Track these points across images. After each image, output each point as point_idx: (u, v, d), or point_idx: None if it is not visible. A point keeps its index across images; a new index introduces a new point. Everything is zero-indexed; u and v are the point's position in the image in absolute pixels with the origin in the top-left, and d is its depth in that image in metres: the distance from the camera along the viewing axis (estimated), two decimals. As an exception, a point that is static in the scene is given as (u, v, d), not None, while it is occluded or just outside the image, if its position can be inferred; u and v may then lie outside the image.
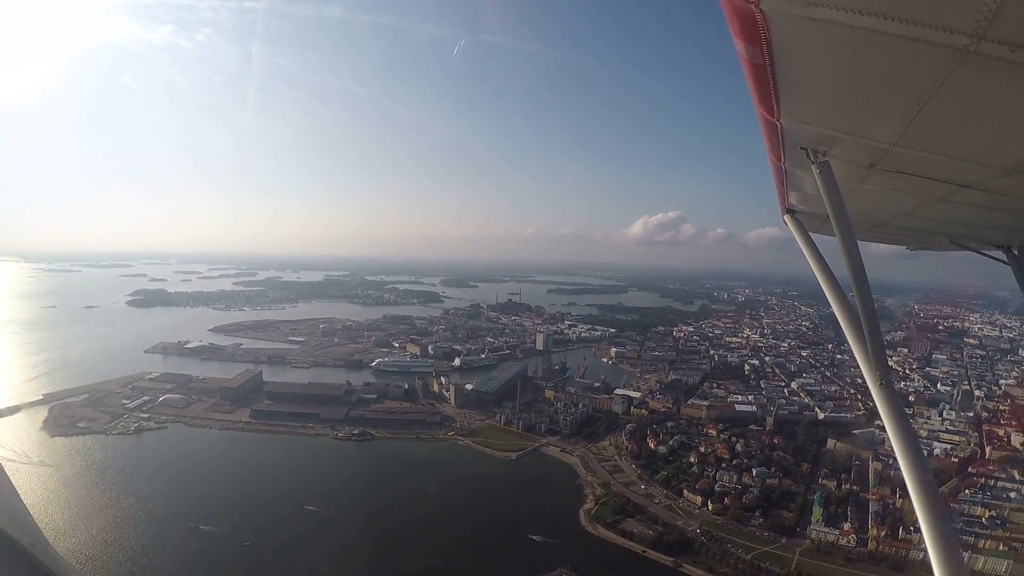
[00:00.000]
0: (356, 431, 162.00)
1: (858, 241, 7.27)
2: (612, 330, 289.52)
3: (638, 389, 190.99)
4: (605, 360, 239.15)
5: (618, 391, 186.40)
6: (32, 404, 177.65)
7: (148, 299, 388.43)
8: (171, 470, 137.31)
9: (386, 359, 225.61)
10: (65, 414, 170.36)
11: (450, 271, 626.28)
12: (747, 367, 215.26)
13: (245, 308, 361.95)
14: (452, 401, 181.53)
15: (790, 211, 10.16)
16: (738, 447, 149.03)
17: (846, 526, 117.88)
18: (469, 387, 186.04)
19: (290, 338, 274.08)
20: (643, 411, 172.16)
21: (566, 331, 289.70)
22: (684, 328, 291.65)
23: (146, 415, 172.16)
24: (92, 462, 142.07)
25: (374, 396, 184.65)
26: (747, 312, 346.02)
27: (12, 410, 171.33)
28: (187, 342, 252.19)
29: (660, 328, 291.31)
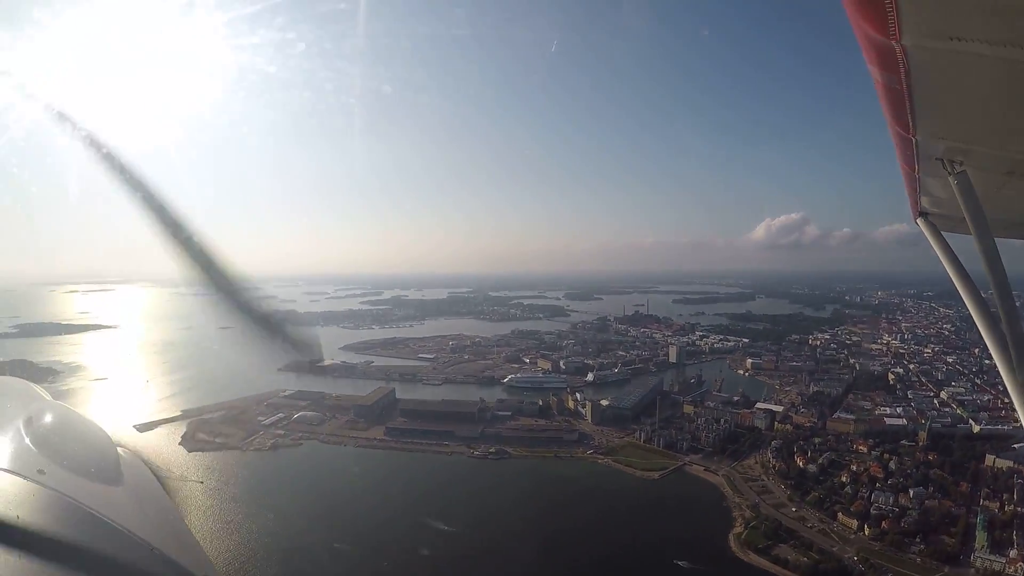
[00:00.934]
0: (492, 449, 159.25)
1: (996, 240, 7.14)
2: (745, 340, 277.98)
3: (780, 403, 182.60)
4: (741, 372, 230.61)
5: (759, 405, 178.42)
6: (170, 420, 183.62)
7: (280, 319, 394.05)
8: (307, 487, 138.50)
9: (518, 375, 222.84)
10: (202, 430, 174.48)
11: (573, 284, 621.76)
12: (891, 376, 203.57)
13: (373, 326, 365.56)
14: (588, 418, 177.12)
15: (923, 214, 10.02)
16: (891, 465, 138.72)
17: (1012, 553, 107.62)
18: (605, 403, 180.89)
19: (420, 355, 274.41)
20: (787, 426, 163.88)
21: (698, 342, 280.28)
22: (820, 336, 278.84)
23: (281, 432, 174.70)
24: (229, 477, 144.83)
25: (508, 413, 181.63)
26: (883, 316, 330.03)
27: (151, 425, 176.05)
28: (319, 361, 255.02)
29: (794, 336, 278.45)
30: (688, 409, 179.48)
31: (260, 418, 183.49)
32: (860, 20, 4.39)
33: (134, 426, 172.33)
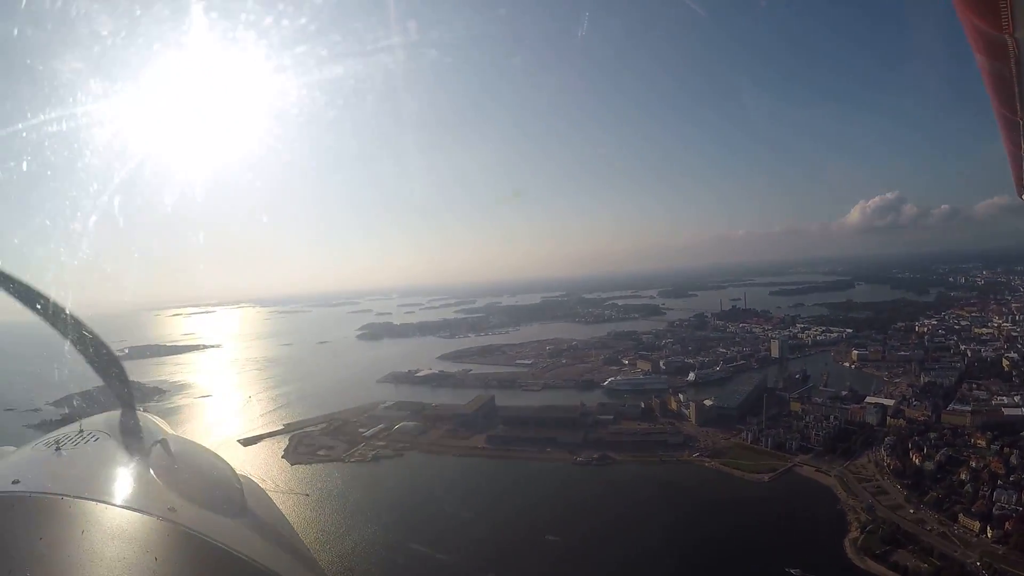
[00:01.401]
0: (596, 455, 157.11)
1: None
2: (848, 330, 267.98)
3: (890, 396, 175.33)
4: (846, 364, 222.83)
5: (869, 399, 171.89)
6: (273, 434, 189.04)
7: (376, 332, 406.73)
8: (409, 498, 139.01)
9: (618, 378, 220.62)
10: (304, 443, 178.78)
11: (666, 282, 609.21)
12: (1006, 362, 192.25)
13: (469, 335, 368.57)
14: (692, 419, 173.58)
15: None
16: (1012, 459, 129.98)
17: None
18: (709, 403, 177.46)
19: (517, 361, 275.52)
20: (900, 421, 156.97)
21: (799, 335, 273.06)
22: (926, 322, 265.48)
23: (383, 443, 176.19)
24: (332, 489, 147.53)
25: (610, 417, 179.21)
26: (991, 297, 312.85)
27: (254, 440, 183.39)
28: (417, 371, 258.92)
29: (900, 324, 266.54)
30: (795, 406, 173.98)
31: (361, 430, 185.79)
32: (971, 15, 4.88)
33: (238, 440, 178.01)
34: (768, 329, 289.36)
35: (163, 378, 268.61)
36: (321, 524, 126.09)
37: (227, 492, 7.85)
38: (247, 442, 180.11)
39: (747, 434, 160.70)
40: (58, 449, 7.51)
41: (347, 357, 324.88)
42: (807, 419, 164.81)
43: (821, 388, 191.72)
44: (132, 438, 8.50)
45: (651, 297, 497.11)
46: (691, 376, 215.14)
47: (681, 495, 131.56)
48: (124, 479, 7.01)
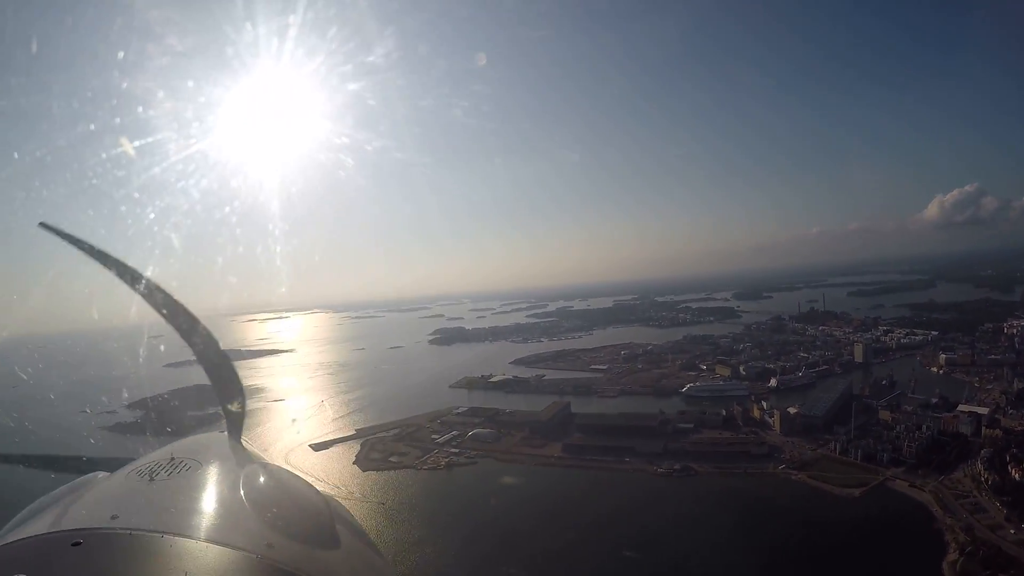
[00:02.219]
0: (677, 466, 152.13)
1: None
2: (933, 332, 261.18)
3: (983, 403, 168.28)
4: (934, 369, 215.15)
5: (962, 407, 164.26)
6: (345, 439, 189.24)
7: (448, 337, 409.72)
8: (483, 507, 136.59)
9: (697, 384, 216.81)
10: (376, 448, 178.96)
11: (740, 284, 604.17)
12: None
13: (542, 339, 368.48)
14: (776, 428, 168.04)
15: None
16: None
17: None
18: (793, 411, 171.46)
19: (591, 366, 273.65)
20: (996, 431, 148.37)
21: (882, 338, 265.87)
22: (1015, 323, 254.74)
23: (456, 450, 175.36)
24: (405, 497, 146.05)
25: (691, 426, 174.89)
26: None
27: (326, 445, 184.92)
28: (491, 376, 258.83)
29: (988, 325, 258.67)
30: (884, 415, 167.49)
31: (434, 436, 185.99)
32: None
33: (310, 445, 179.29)
34: (849, 332, 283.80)
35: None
36: (394, 533, 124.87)
37: (320, 524, 7.88)
38: (318, 447, 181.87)
39: (835, 445, 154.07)
40: (152, 480, 7.87)
41: (419, 362, 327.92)
42: (897, 429, 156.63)
43: (909, 395, 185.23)
44: (223, 467, 8.72)
45: (725, 299, 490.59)
46: (772, 382, 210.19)
47: (768, 510, 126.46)
48: (220, 513, 7.10)
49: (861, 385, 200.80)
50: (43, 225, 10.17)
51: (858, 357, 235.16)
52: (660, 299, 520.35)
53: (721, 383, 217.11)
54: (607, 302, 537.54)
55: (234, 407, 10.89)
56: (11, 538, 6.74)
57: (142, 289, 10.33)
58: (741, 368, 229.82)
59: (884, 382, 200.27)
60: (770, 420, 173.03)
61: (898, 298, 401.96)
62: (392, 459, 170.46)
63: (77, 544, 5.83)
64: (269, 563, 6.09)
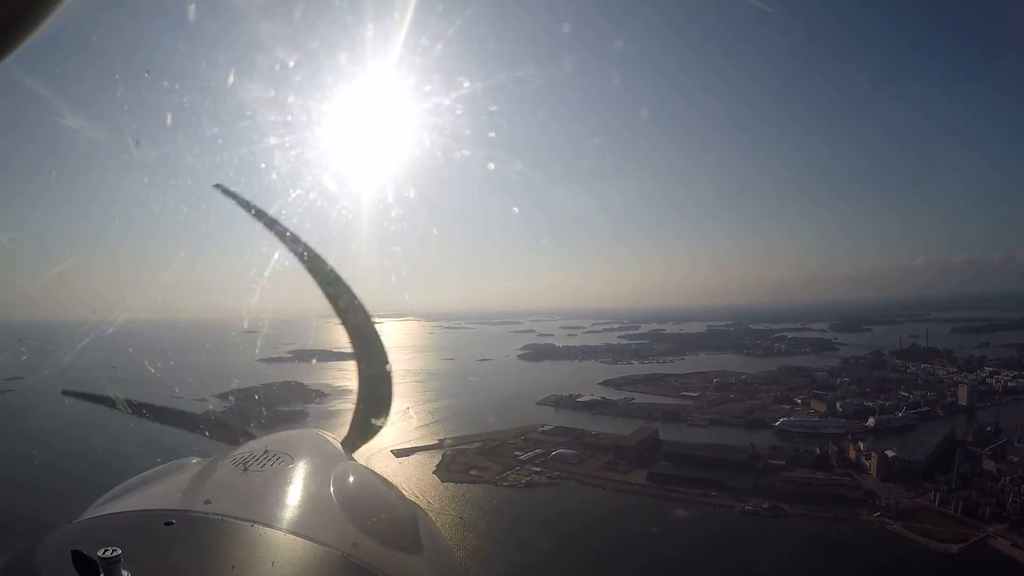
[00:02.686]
0: (765, 504, 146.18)
1: None
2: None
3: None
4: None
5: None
6: (426, 448, 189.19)
7: (537, 353, 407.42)
8: (563, 531, 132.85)
9: (791, 418, 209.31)
10: (457, 460, 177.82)
11: (836, 314, 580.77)
12: None
13: (632, 361, 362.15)
14: (873, 471, 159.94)
15: None
16: None
17: None
18: (891, 454, 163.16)
19: (682, 393, 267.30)
20: None
21: (988, 380, 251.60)
22: None
23: (538, 469, 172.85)
24: (483, 513, 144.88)
25: (782, 462, 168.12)
26: None
27: (408, 452, 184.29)
28: (578, 395, 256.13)
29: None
30: (988, 465, 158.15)
31: (516, 453, 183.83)
32: None
33: (392, 451, 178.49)
34: (953, 372, 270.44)
35: (326, 382, 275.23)
36: (466, 547, 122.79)
37: (404, 529, 7.81)
38: (399, 453, 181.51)
39: (934, 494, 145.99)
40: (245, 470, 8.06)
41: (507, 376, 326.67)
42: (1002, 481, 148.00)
43: (1016, 444, 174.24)
44: (314, 463, 8.88)
45: (822, 330, 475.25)
46: (870, 421, 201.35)
47: (859, 562, 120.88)
48: (309, 509, 7.24)
49: (964, 431, 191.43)
50: (218, 186, 11.33)
51: (962, 400, 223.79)
52: (755, 327, 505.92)
53: (816, 419, 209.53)
54: (700, 327, 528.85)
55: (373, 411, 12.09)
56: (104, 511, 6.94)
57: (304, 257, 11.16)
58: (838, 404, 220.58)
59: (989, 428, 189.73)
60: (866, 462, 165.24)
61: (1006, 337, 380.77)
62: (472, 472, 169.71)
63: (169, 524, 5.95)
64: (354, 561, 6.12)
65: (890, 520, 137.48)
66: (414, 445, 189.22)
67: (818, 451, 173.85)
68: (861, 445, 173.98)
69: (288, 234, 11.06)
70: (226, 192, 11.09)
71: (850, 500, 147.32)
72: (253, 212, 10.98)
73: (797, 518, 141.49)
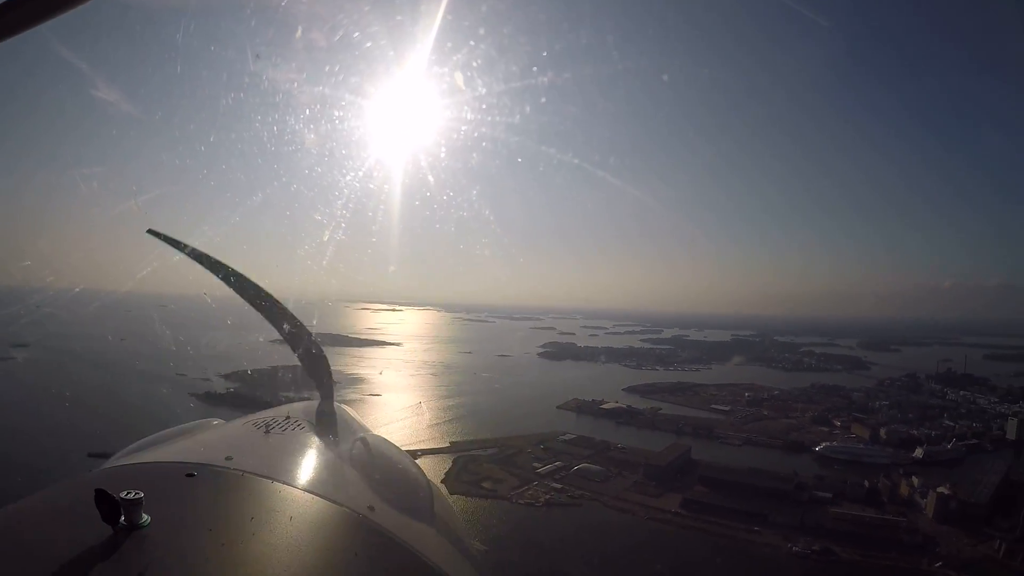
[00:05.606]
0: (816, 546, 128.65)
1: None
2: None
3: None
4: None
5: None
6: (437, 451, 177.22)
7: (558, 352, 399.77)
8: (583, 563, 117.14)
9: (832, 444, 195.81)
10: (469, 469, 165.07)
11: (864, 332, 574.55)
12: None
13: (657, 367, 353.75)
14: (929, 512, 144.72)
15: None
16: None
17: None
18: (944, 491, 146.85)
19: (712, 406, 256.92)
20: None
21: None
22: None
23: (558, 485, 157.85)
24: (498, 535, 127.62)
25: (829, 495, 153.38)
26: None
27: (416, 454, 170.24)
28: (602, 402, 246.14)
29: None
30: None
31: (535, 464, 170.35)
32: None
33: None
34: (995, 401, 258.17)
35: (339, 368, 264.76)
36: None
37: (419, 495, 8.08)
38: (409, 454, 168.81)
39: (1000, 543, 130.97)
40: (267, 432, 8.53)
41: (527, 375, 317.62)
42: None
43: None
44: (334, 431, 9.50)
45: (851, 347, 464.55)
46: (918, 452, 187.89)
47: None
48: (328, 472, 7.60)
49: (1019, 468, 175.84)
50: (151, 232, 11.75)
51: (1010, 434, 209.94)
52: (780, 339, 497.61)
53: (860, 447, 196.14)
54: (724, 335, 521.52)
55: (320, 376, 12.71)
56: (128, 461, 7.37)
57: (232, 283, 12.00)
58: (882, 431, 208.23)
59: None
60: (921, 500, 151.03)
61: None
62: (485, 484, 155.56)
63: (191, 475, 6.27)
64: (369, 523, 6.36)
65: (953, 572, 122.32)
66: (424, 447, 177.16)
67: (867, 484, 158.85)
68: (914, 480, 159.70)
69: (220, 267, 11.72)
70: (157, 235, 11.54)
71: (908, 545, 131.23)
72: (188, 251, 11.57)
73: (849, 562, 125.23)
